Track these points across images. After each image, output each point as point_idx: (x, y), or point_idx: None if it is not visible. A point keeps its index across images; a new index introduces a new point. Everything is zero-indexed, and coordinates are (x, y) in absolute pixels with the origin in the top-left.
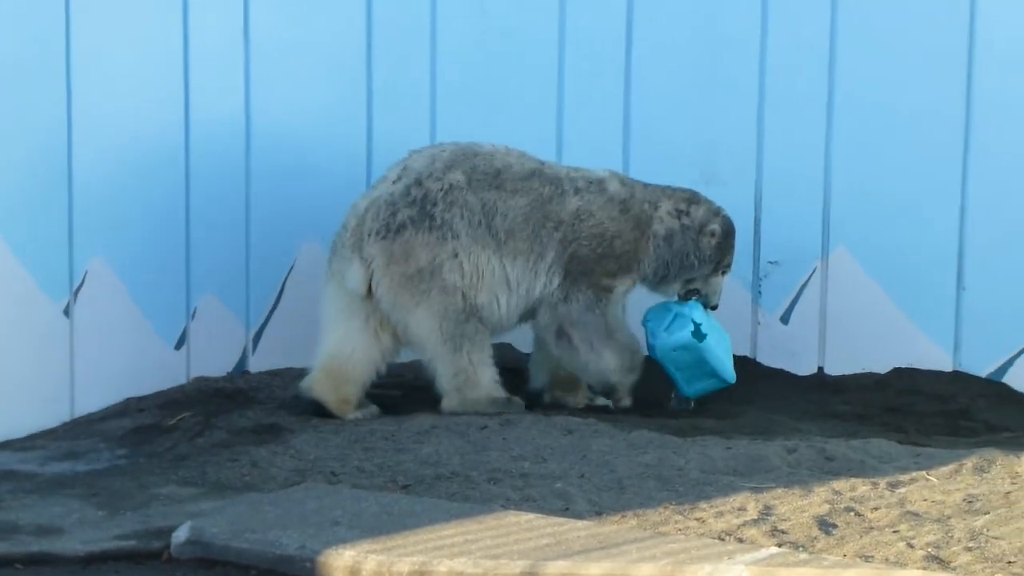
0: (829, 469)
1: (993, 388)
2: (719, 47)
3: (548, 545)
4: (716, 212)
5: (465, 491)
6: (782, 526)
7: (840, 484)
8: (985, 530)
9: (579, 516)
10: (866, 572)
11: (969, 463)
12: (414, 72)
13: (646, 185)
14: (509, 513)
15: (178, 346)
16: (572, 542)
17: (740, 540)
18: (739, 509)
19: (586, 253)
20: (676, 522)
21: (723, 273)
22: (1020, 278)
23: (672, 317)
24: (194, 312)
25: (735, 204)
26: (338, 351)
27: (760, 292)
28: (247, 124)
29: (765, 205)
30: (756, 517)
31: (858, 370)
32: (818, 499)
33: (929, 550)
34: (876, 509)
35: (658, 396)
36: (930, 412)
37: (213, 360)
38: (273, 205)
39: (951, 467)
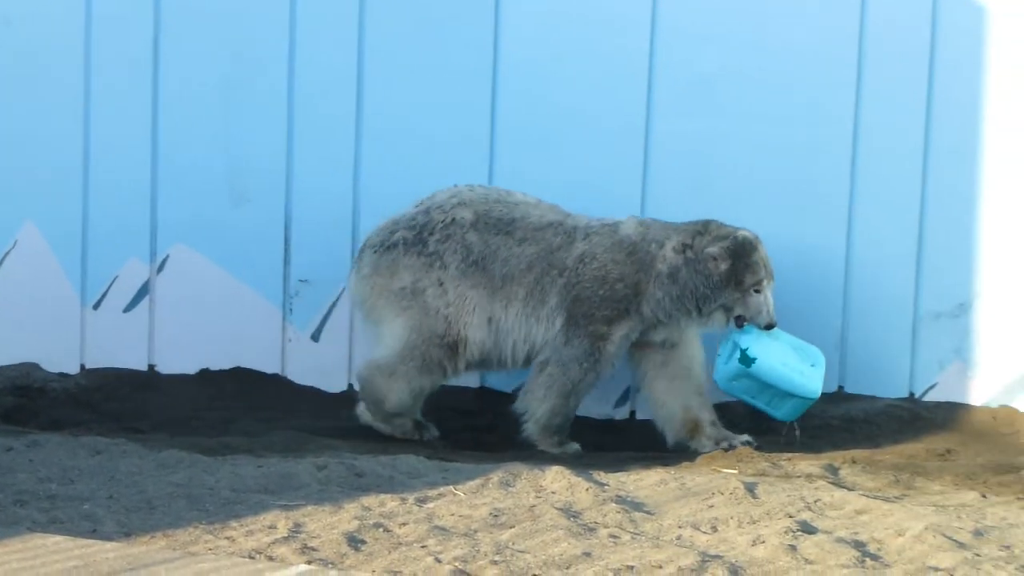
0: (359, 485)
1: None
2: (248, 68)
3: (76, 567)
4: (719, 238)
5: None
6: (312, 543)
7: (370, 500)
8: (511, 543)
9: (108, 538)
10: None
11: (495, 477)
12: None
13: (666, 224)
14: (35, 536)
15: None
16: (100, 564)
17: (270, 558)
18: (269, 527)
19: (588, 295)
20: (206, 541)
21: (756, 291)
22: None
23: (732, 348)
24: None
25: (265, 223)
26: None
27: (291, 310)
28: None
29: (295, 224)
30: (286, 535)
31: None
32: (348, 515)
33: (456, 564)
34: (405, 524)
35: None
36: (457, 428)
37: None
38: None
39: (478, 482)
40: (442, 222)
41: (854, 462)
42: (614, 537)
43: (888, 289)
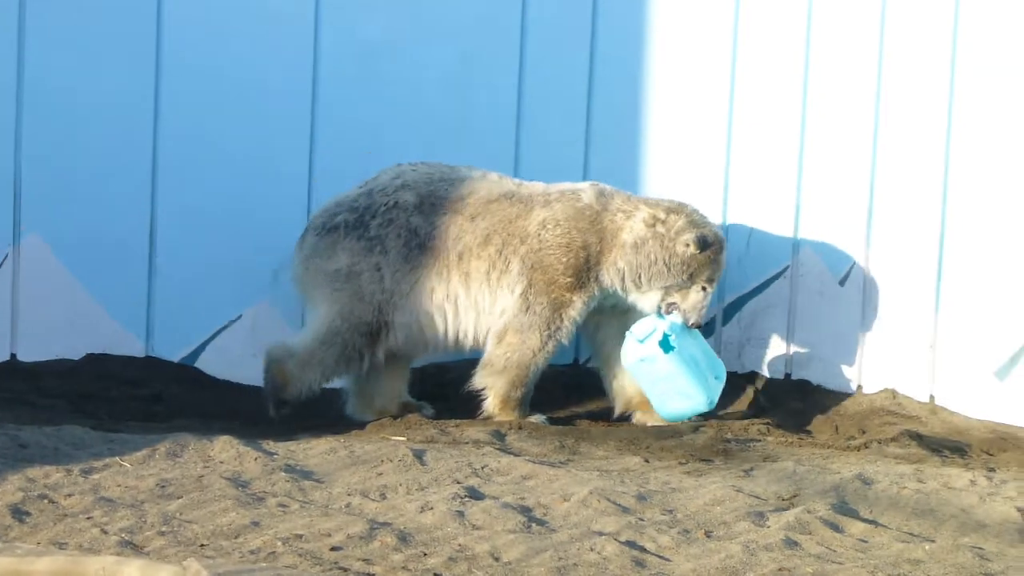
0: (22, 456)
1: (186, 373)
2: None
3: None
4: (697, 224)
5: None
6: None
7: (34, 471)
8: (179, 514)
9: None
10: (59, 559)
11: (162, 448)
12: None
13: (631, 197)
14: None
15: None
16: None
17: None
18: None
19: (551, 262)
20: None
21: (703, 289)
22: (211, 263)
23: (651, 330)
24: None
25: None
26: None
27: None
28: None
29: None
30: None
31: (51, 356)
32: (12, 487)
33: (123, 535)
34: (70, 496)
35: None
36: (123, 397)
37: None
38: None
39: (144, 452)
40: (384, 205)
41: (520, 428)
42: (283, 506)
43: None
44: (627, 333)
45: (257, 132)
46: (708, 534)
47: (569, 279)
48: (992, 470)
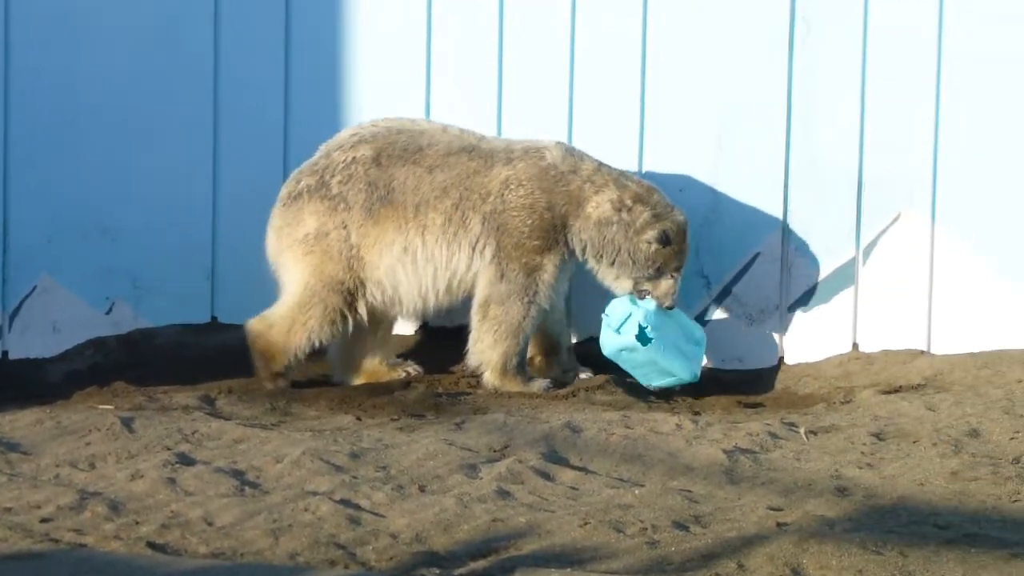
0: None
1: None
2: None
3: None
4: (659, 217)
5: None
6: None
7: None
8: None
9: None
10: None
11: None
12: None
13: (601, 166)
14: None
15: None
16: None
17: None
18: None
19: (516, 224)
20: None
21: (672, 277)
22: None
23: (626, 316)
24: None
25: None
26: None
27: None
28: None
29: None
30: None
31: None
32: None
33: None
34: None
35: None
36: None
37: None
38: None
39: None
40: (343, 162)
41: (231, 392)
42: None
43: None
44: (603, 316)
45: None
46: (422, 489)
47: (536, 242)
48: (697, 414)
